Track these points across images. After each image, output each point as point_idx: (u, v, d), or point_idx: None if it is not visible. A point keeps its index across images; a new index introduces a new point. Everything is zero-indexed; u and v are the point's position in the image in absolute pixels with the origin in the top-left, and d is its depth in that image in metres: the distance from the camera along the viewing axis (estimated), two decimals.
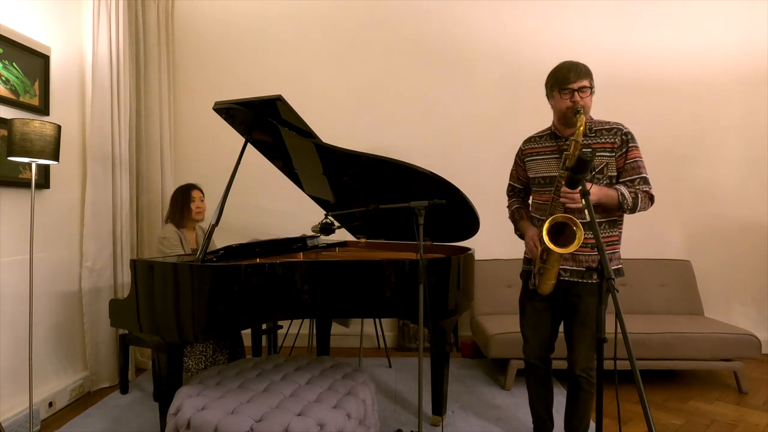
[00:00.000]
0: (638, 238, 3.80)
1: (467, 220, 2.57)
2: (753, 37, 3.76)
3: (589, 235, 1.87)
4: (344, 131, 3.76)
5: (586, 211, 1.46)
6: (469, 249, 2.65)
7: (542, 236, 1.74)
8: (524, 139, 2.11)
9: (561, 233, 1.77)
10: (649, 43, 3.82)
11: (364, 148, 2.52)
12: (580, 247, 1.87)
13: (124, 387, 2.87)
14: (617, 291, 1.33)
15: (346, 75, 3.93)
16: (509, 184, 2.23)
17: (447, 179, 2.36)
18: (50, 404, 2.58)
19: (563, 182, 1.80)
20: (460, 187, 2.39)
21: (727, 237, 3.83)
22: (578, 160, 1.48)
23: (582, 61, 1.91)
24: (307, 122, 2.35)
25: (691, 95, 3.82)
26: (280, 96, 2.13)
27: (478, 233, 2.66)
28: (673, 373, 3.24)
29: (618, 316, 1.28)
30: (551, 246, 1.73)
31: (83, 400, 2.80)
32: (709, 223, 3.85)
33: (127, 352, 2.88)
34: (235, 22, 3.94)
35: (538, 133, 2.08)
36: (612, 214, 1.92)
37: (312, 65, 3.93)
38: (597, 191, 1.80)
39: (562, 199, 1.79)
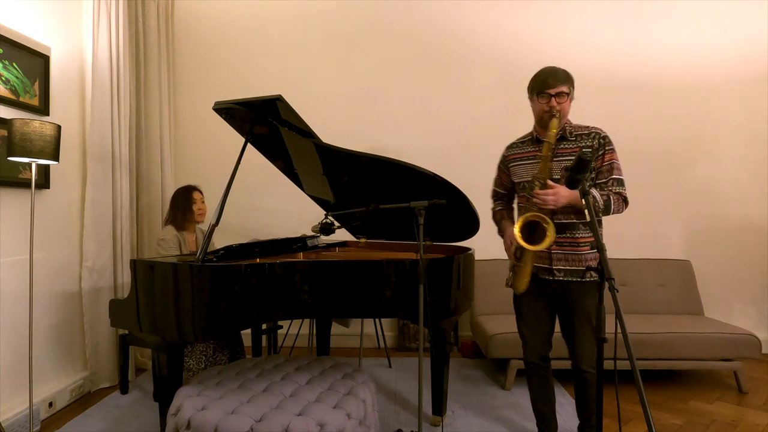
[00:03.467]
0: (638, 238, 3.81)
1: (467, 220, 2.57)
2: (753, 37, 3.76)
3: (584, 234, 1.93)
4: (344, 131, 3.76)
5: (586, 211, 1.46)
6: (469, 249, 2.65)
7: (514, 234, 1.81)
8: (507, 146, 2.16)
9: (535, 231, 1.82)
10: (649, 44, 3.82)
11: (364, 148, 2.52)
12: (572, 246, 1.90)
13: (124, 387, 2.87)
14: (617, 291, 1.33)
15: (346, 75, 3.93)
16: (493, 191, 2.28)
17: (447, 179, 2.36)
18: (50, 404, 2.58)
19: (537, 184, 1.87)
20: (460, 187, 2.39)
21: (727, 237, 3.83)
22: (578, 159, 1.48)
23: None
24: (307, 122, 2.35)
25: (691, 95, 3.82)
26: (280, 96, 2.12)
27: (478, 233, 2.66)
28: (673, 373, 3.24)
29: (618, 316, 1.28)
30: (523, 243, 1.79)
31: (83, 400, 2.80)
32: (709, 223, 3.85)
33: (127, 352, 2.88)
34: (235, 22, 3.94)
35: (519, 138, 2.12)
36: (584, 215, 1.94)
37: (312, 65, 3.93)
38: (567, 193, 1.84)
39: (534, 200, 1.85)
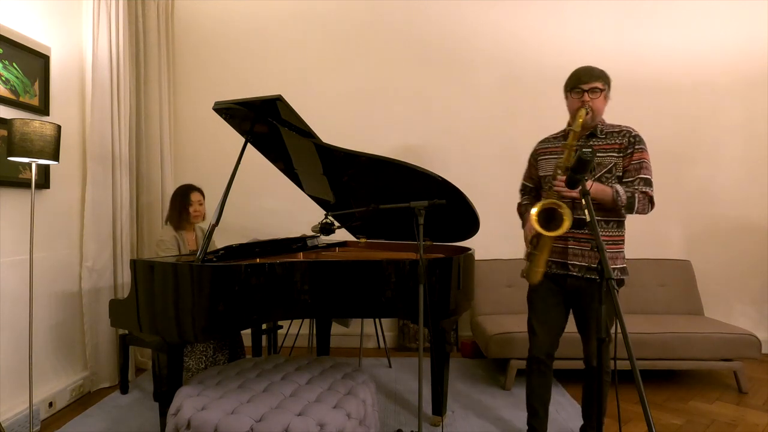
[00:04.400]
0: (638, 238, 3.79)
1: (467, 220, 2.57)
2: (753, 37, 3.76)
3: (602, 232, 1.93)
4: (344, 131, 3.76)
5: (586, 211, 1.46)
6: (469, 249, 2.65)
7: (533, 222, 1.81)
8: (539, 140, 2.18)
9: (553, 220, 1.82)
10: (649, 43, 3.82)
11: (364, 148, 2.52)
12: (590, 243, 1.93)
13: (124, 387, 2.87)
14: (617, 291, 1.33)
15: (347, 75, 3.93)
16: (522, 183, 2.29)
17: (447, 179, 2.36)
18: (50, 404, 2.58)
19: (559, 172, 1.87)
20: (459, 187, 2.39)
21: (727, 237, 3.83)
22: (578, 159, 1.48)
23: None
24: (307, 122, 2.35)
25: (691, 95, 3.82)
26: (280, 96, 2.12)
27: (478, 233, 2.66)
28: (673, 373, 3.24)
29: (618, 316, 1.28)
30: (539, 228, 1.79)
31: (83, 400, 2.80)
32: (709, 223, 3.85)
33: (127, 352, 2.88)
34: (235, 22, 3.94)
35: (553, 134, 2.14)
36: (614, 213, 1.95)
37: (312, 65, 3.93)
38: (591, 186, 1.83)
39: (555, 188, 1.86)
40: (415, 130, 3.91)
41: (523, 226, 2.21)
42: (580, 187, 1.52)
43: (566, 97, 2.02)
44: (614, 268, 1.95)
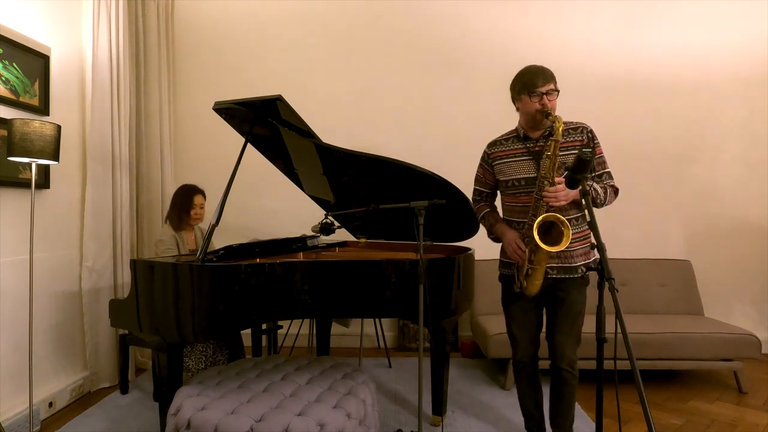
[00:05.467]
0: (638, 238, 3.81)
1: (467, 220, 2.57)
2: (753, 37, 3.76)
3: (573, 230, 1.88)
4: (344, 131, 3.76)
5: (586, 211, 1.46)
6: (469, 249, 2.65)
7: (533, 236, 1.76)
8: (488, 143, 2.12)
9: (548, 233, 1.79)
10: (649, 43, 3.82)
11: (363, 148, 2.52)
12: None
13: (124, 387, 2.87)
14: (617, 291, 1.34)
15: (346, 75, 3.93)
16: (476, 189, 2.21)
17: (447, 179, 2.36)
18: (50, 404, 2.58)
19: (545, 183, 1.83)
20: (459, 187, 2.39)
21: (727, 237, 3.83)
22: (578, 160, 1.49)
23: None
24: (307, 122, 2.35)
25: (691, 95, 3.82)
26: (280, 96, 2.13)
27: (477, 233, 2.65)
28: (673, 373, 3.24)
29: (618, 316, 1.29)
30: (542, 246, 1.74)
31: (83, 400, 2.80)
32: (709, 223, 3.85)
33: (127, 352, 2.88)
34: (235, 22, 3.94)
35: (502, 136, 2.09)
36: (582, 209, 1.96)
37: (312, 65, 3.93)
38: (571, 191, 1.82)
39: (545, 199, 1.82)
40: (415, 130, 3.91)
41: (491, 236, 2.17)
42: (580, 187, 1.52)
43: (517, 99, 1.96)
44: (588, 262, 1.96)
